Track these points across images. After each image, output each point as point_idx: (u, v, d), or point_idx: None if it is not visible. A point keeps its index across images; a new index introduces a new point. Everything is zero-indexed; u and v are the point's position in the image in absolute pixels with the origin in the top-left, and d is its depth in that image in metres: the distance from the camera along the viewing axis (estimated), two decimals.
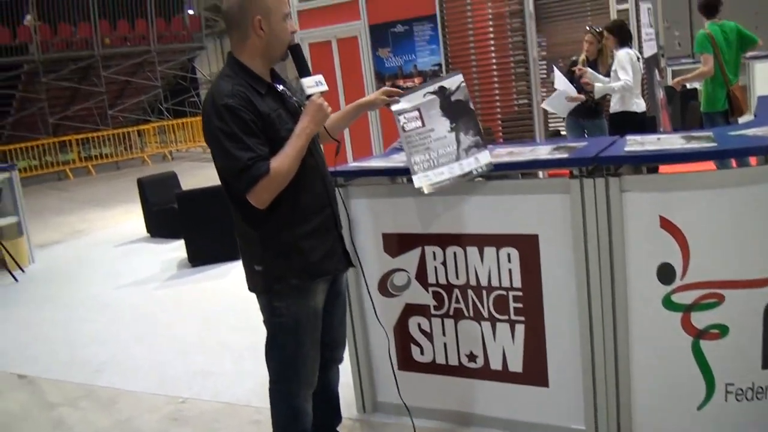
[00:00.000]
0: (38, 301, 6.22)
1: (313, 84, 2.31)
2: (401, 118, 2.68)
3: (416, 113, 2.68)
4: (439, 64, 8.39)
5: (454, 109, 2.68)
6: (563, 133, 7.94)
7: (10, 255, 7.21)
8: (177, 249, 7.32)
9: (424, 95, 2.69)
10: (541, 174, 4.04)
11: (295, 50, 2.36)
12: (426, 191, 2.66)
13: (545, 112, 9.47)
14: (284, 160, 2.22)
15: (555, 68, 6.73)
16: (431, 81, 2.73)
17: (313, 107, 2.29)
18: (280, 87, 2.34)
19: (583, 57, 6.87)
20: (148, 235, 8.51)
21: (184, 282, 6.20)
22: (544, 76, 9.24)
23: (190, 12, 21.92)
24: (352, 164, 3.28)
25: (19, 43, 17.08)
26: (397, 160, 3.17)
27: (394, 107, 2.69)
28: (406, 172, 3.04)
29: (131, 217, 9.64)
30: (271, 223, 2.32)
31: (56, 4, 17.55)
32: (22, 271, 7.28)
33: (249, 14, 2.25)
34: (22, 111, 18.01)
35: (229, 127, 2.17)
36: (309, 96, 2.31)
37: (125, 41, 18.95)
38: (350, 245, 2.69)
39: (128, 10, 18.77)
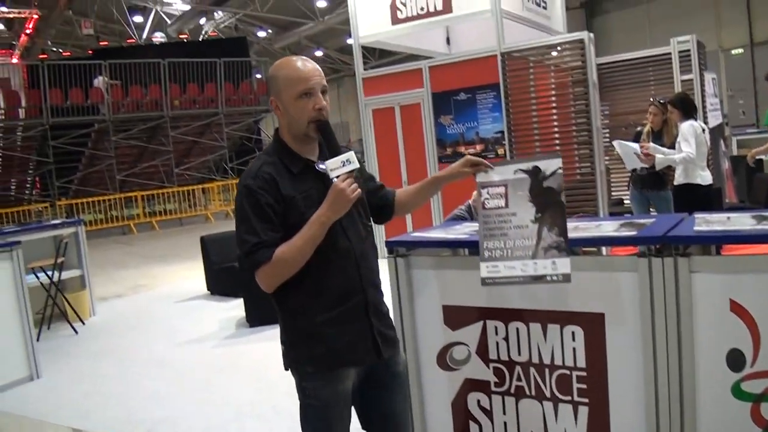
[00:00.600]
0: (96, 355, 6.35)
1: (339, 164, 2.16)
2: (485, 192, 2.50)
3: (502, 189, 2.48)
4: (501, 132, 8.46)
5: (543, 197, 2.44)
6: (627, 202, 7.83)
7: (72, 307, 7.42)
8: (236, 308, 7.41)
9: (515, 171, 2.48)
10: (604, 250, 3.98)
11: (322, 128, 2.25)
12: (488, 283, 2.51)
13: (608, 180, 9.39)
14: (290, 250, 2.14)
15: (616, 143, 6.69)
16: (525, 158, 2.53)
17: (333, 193, 2.14)
18: (322, 165, 2.21)
19: (647, 128, 6.81)
20: (208, 292, 8.65)
21: (241, 342, 6.25)
22: (607, 143, 9.20)
23: (258, 76, 22.71)
24: (413, 234, 3.29)
25: (90, 104, 17.89)
26: (458, 231, 3.17)
27: (480, 178, 2.51)
28: (468, 245, 3.05)
29: (192, 274, 9.84)
30: (290, 305, 2.27)
31: (128, 69, 18.41)
32: (83, 323, 7.48)
33: (270, 95, 2.30)
34: (91, 167, 18.74)
35: (243, 208, 2.18)
36: (333, 178, 2.16)
37: (194, 103, 19.68)
38: (389, 328, 2.46)
39: (199, 75, 19.54)
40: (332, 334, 2.24)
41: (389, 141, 9.36)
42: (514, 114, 8.39)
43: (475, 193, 4.95)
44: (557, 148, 8.06)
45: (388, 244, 3.13)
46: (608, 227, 2.84)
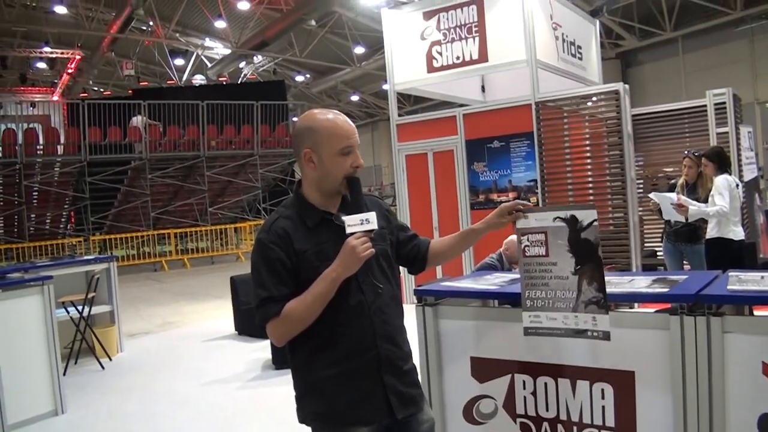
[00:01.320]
0: (121, 391, 6.38)
1: (357, 222, 2.14)
2: (525, 239, 2.47)
3: (542, 237, 2.45)
4: (534, 180, 8.46)
5: (582, 249, 2.40)
6: (660, 254, 7.73)
7: (100, 343, 7.49)
8: (262, 349, 7.42)
9: (554, 219, 2.43)
10: (636, 306, 3.93)
11: (352, 183, 2.23)
12: (531, 333, 2.49)
13: (641, 231, 9.30)
14: (298, 306, 2.14)
15: (653, 195, 6.62)
16: (562, 206, 2.55)
17: (345, 250, 2.13)
18: (343, 217, 2.19)
19: (682, 180, 6.76)
20: (236, 332, 8.67)
21: (265, 384, 6.24)
22: (641, 194, 9.14)
23: (294, 119, 23.06)
24: (443, 283, 3.29)
25: (128, 142, 18.29)
26: (488, 281, 3.16)
27: (520, 224, 2.47)
28: (498, 296, 3.04)
29: (221, 313, 9.88)
30: (299, 359, 2.26)
31: (167, 109, 18.83)
32: (110, 359, 7.54)
33: (301, 146, 2.23)
34: (126, 204, 19.05)
35: (256, 261, 2.19)
36: (347, 234, 2.14)
37: (230, 144, 20.01)
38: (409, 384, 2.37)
39: (236, 116, 19.90)
40: (336, 391, 2.21)
41: (421, 187, 9.41)
42: (547, 163, 8.40)
43: (506, 241, 4.96)
44: (591, 198, 8.03)
45: (416, 292, 3.13)
46: (641, 283, 2.81)
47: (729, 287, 2.59)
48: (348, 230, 2.14)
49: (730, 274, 2.88)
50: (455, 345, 3.00)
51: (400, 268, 2.49)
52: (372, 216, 2.17)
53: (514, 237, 6.20)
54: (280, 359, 6.72)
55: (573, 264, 2.40)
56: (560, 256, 2.42)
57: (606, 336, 2.36)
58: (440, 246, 2.55)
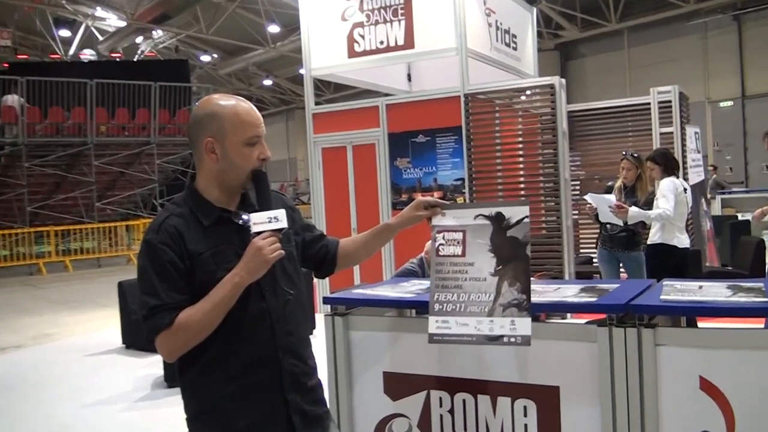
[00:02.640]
0: None
1: (265, 220, 2.12)
2: (440, 237, 2.50)
3: (459, 236, 2.49)
4: (462, 179, 8.57)
5: (506, 248, 2.43)
6: (595, 262, 7.96)
7: None
8: (153, 365, 7.25)
9: (476, 217, 2.48)
10: (569, 316, 4.04)
11: (259, 178, 2.22)
12: (436, 340, 2.48)
13: (576, 236, 9.56)
14: (195, 314, 2.09)
15: (588, 197, 6.82)
16: (489, 203, 2.55)
17: (251, 251, 2.10)
18: (245, 217, 2.19)
19: (619, 183, 6.97)
20: (124, 346, 8.45)
21: (156, 405, 6.10)
22: (577, 196, 9.41)
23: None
24: (355, 291, 3.29)
25: (0, 123, 17.58)
26: (406, 289, 3.18)
27: (436, 221, 2.51)
28: (416, 305, 3.06)
29: (107, 324, 9.63)
30: (190, 374, 2.21)
31: (49, 87, 18.17)
32: None
33: (202, 134, 2.19)
34: None
35: (144, 265, 2.14)
36: (253, 234, 2.12)
37: (123, 130, 19.52)
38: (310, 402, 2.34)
39: (130, 99, 19.39)
40: (233, 411, 2.18)
41: (339, 183, 9.40)
42: (475, 160, 8.53)
43: (428, 243, 4.99)
44: (522, 198, 8.19)
45: (326, 300, 3.12)
46: (568, 291, 2.88)
47: (662, 297, 2.67)
48: (254, 229, 2.12)
49: (665, 283, 2.98)
50: (367, 358, 3.00)
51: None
52: (281, 213, 2.15)
53: None
54: (172, 376, 6.57)
55: (493, 264, 2.44)
56: (479, 257, 2.45)
57: (526, 341, 2.38)
58: (351, 245, 2.55)
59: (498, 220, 2.45)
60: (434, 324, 2.48)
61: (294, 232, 2.38)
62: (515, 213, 2.44)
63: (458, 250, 2.48)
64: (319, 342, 2.42)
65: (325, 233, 2.58)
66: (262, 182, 2.22)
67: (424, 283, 3.29)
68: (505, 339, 2.39)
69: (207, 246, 2.16)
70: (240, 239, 2.16)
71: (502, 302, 2.40)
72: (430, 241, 2.54)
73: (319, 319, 2.48)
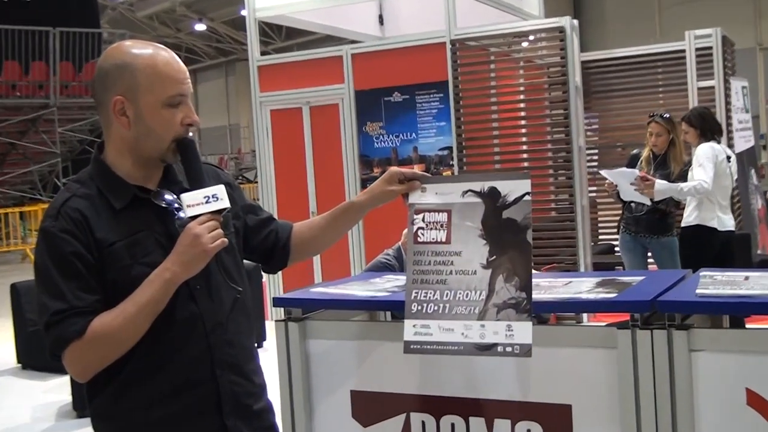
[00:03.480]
0: None
1: (200, 200, 2.10)
2: (419, 219, 2.49)
3: (443, 217, 2.47)
4: (449, 148, 8.57)
5: (501, 232, 2.41)
6: (618, 251, 8.01)
7: None
8: (59, 389, 7.24)
9: (464, 193, 2.47)
10: (585, 318, 4.07)
11: (186, 148, 2.20)
12: (414, 350, 2.47)
13: (594, 219, 9.62)
14: (114, 320, 2.07)
15: (604, 173, 6.83)
16: (481, 174, 2.54)
17: (185, 239, 2.08)
18: (169, 197, 2.19)
19: (647, 152, 6.99)
20: (19, 365, 8.41)
21: None
22: (594, 168, 9.45)
23: None
24: (315, 290, 3.30)
25: None
26: (380, 286, 3.19)
27: (413, 198, 2.50)
28: (390, 306, 3.07)
29: None
30: (106, 396, 2.20)
31: None
32: None
33: (109, 92, 2.16)
34: None
35: (42, 260, 2.11)
36: (189, 219, 2.10)
37: (13, 90, 19.27)
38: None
39: (22, 49, 19.11)
40: None
41: (293, 155, 9.37)
42: (466, 124, 8.53)
43: (405, 231, 5.01)
44: (524, 171, 8.21)
45: (277, 302, 3.12)
46: (580, 286, 2.90)
47: (699, 291, 2.69)
48: (188, 212, 2.10)
49: (702, 274, 3.00)
50: (331, 374, 3.01)
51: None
52: (220, 191, 2.14)
53: None
54: (83, 402, 6.56)
55: (485, 254, 2.41)
56: (467, 244, 2.43)
57: (525, 351, 2.35)
58: (308, 230, 2.56)
59: (492, 197, 2.43)
60: (411, 329, 2.46)
61: (234, 215, 2.37)
62: (514, 188, 2.42)
63: (441, 235, 2.46)
64: (269, 355, 2.42)
65: (275, 216, 2.58)
66: (191, 153, 2.21)
67: (402, 279, 3.30)
68: (500, 348, 2.37)
69: (120, 234, 2.14)
70: (162, 225, 2.17)
71: (497, 302, 2.38)
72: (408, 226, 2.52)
73: (270, 327, 2.47)
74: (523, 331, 2.35)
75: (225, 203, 2.13)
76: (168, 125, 2.17)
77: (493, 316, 2.38)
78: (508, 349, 2.36)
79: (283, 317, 3.07)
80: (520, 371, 2.72)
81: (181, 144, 2.19)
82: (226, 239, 2.12)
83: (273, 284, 8.86)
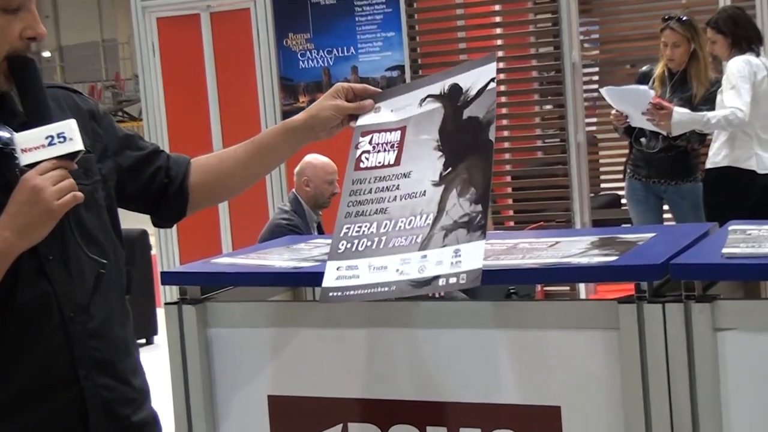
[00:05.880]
0: None
1: (41, 142, 2.07)
2: (364, 141, 2.61)
3: (395, 136, 2.58)
4: (400, 68, 8.57)
5: (460, 136, 2.51)
6: (624, 203, 8.05)
7: None
8: None
9: (422, 101, 2.58)
10: (582, 292, 4.10)
11: (23, 68, 2.18)
12: (333, 298, 2.49)
13: (595, 161, 9.69)
14: None
15: (605, 92, 6.81)
16: (443, 74, 2.55)
17: (21, 195, 2.05)
18: (5, 135, 2.14)
19: (661, 69, 7.00)
20: None
21: None
22: (594, 93, 9.49)
23: None
24: (219, 260, 3.29)
25: None
26: (303, 254, 3.19)
27: (364, 119, 2.61)
28: (320, 281, 3.06)
29: None
30: None
31: None
32: None
33: None
34: None
35: None
36: (25, 167, 2.07)
37: None
38: None
39: None
40: None
41: (189, 80, 9.33)
42: (422, 35, 8.55)
43: (299, 168, 4.98)
44: (504, 103, 8.25)
45: (167, 278, 3.11)
46: (569, 247, 2.90)
47: (725, 250, 2.70)
48: (24, 160, 2.07)
49: (731, 228, 3.02)
50: (240, 374, 3.02)
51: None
52: (69, 127, 2.09)
53: (314, 156, 6.21)
54: None
55: (440, 168, 2.47)
56: (419, 161, 2.51)
57: (473, 279, 2.32)
58: (218, 162, 2.64)
59: (452, 97, 2.52)
60: (334, 273, 2.48)
61: (99, 155, 2.36)
62: (477, 78, 2.50)
63: (390, 157, 2.54)
64: (161, 353, 2.41)
65: (162, 149, 2.59)
66: (30, 76, 2.17)
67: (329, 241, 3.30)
68: (441, 281, 2.35)
69: None
70: (3, 173, 2.14)
71: (446, 223, 2.40)
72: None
73: (160, 314, 2.47)
74: (474, 253, 2.34)
75: (77, 144, 2.09)
76: (1, 37, 2.14)
77: (438, 242, 2.40)
78: (452, 280, 2.34)
79: (175, 299, 3.05)
80: (492, 362, 2.73)
81: (15, 63, 2.15)
82: (79, 193, 2.09)
83: (166, 256, 8.78)
